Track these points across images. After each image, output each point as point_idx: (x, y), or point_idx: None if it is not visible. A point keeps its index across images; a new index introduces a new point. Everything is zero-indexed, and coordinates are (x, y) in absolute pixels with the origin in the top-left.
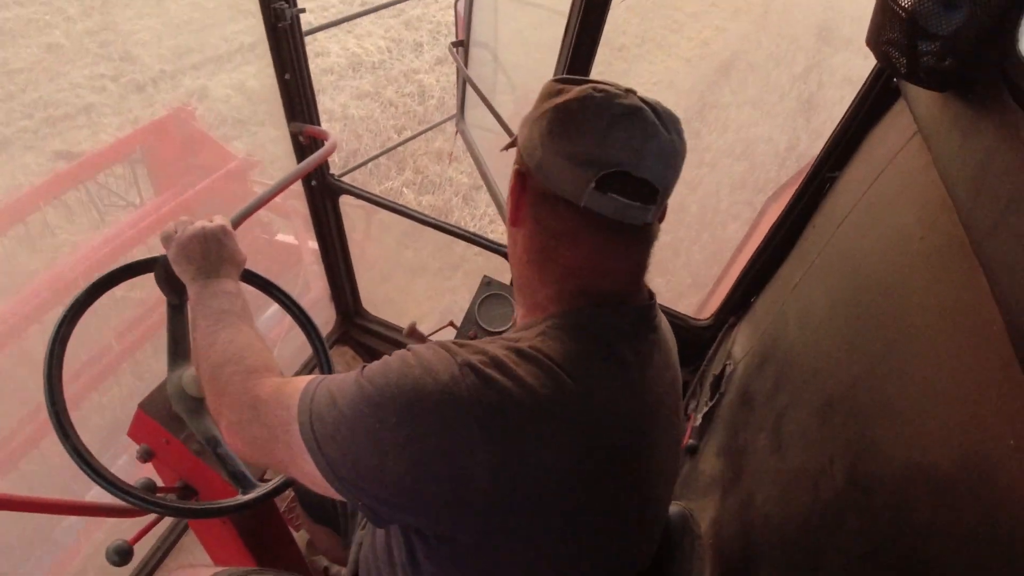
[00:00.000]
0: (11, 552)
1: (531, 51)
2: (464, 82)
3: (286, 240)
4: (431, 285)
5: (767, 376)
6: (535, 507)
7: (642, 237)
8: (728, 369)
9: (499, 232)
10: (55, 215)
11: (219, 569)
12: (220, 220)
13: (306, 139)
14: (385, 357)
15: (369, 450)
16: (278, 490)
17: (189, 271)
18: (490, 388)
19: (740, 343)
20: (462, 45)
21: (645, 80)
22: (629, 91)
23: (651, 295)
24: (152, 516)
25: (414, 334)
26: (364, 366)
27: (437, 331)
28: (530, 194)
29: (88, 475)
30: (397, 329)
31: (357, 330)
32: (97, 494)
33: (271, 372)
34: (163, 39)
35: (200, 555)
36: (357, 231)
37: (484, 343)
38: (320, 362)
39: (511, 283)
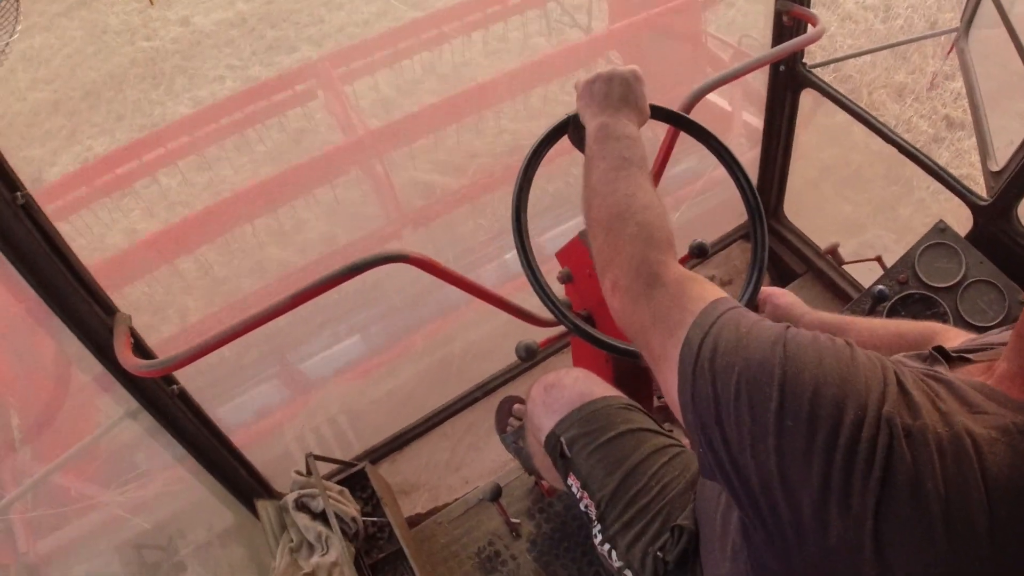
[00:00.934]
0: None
1: None
2: None
3: (719, 103)
4: (861, 212)
5: None
6: None
7: None
8: None
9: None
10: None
11: (603, 394)
12: (632, 66)
13: (790, 20)
14: (819, 335)
15: (741, 426)
16: None
17: (591, 108)
18: (892, 474)
19: None
20: None
21: None
22: None
23: None
24: (560, 330)
25: (834, 255)
26: (789, 326)
27: (860, 261)
28: None
29: (534, 286)
30: (812, 245)
31: (770, 233)
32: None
33: (672, 251)
34: None
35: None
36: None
37: (931, 393)
38: (754, 230)
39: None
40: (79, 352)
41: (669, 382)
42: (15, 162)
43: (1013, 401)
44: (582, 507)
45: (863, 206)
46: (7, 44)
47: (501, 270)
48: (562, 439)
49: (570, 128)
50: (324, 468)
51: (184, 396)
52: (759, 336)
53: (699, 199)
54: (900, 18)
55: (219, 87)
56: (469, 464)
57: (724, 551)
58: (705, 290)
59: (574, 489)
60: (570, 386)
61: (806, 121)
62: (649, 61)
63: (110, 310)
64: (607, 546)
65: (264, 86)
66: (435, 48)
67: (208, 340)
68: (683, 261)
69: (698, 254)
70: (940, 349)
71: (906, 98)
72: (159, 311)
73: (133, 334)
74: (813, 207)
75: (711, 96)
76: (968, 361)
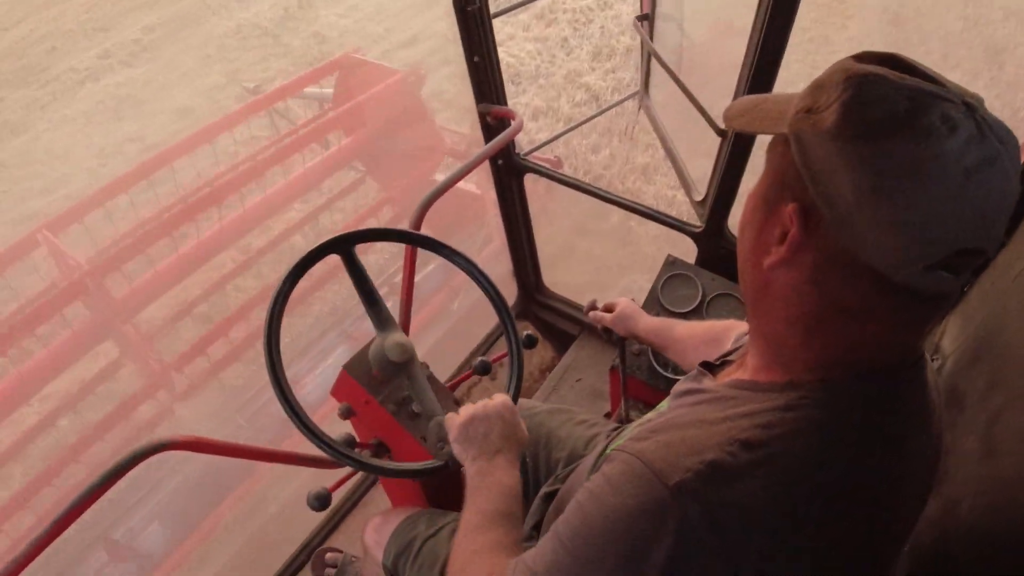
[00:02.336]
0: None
1: (720, 25)
2: (649, 56)
3: (468, 188)
4: (611, 264)
5: (980, 373)
6: None
7: (947, 302)
8: (936, 364)
9: (681, 212)
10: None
11: (414, 511)
12: (501, 397)
13: (493, 119)
14: (579, 500)
15: None
16: None
17: (470, 452)
18: (712, 510)
19: (950, 336)
20: (647, 18)
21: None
22: (969, 107)
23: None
24: (348, 469)
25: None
26: (560, 522)
27: None
28: (815, 248)
29: (300, 430)
30: (576, 307)
31: (537, 306)
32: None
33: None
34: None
35: (384, 504)
36: (538, 209)
37: (698, 425)
38: (508, 334)
39: (740, 296)
40: None
41: None
42: None
43: (769, 384)
44: None
45: (614, 259)
46: None
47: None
48: (387, 566)
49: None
50: None
51: None
52: (540, 556)
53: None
54: (610, 103)
55: None
56: None
57: None
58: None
59: None
60: (392, 518)
61: (549, 196)
62: (389, 163)
63: None
64: None
65: None
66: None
67: None
68: (465, 377)
69: (482, 372)
70: (705, 364)
71: (651, 175)
72: None
73: None
74: (575, 270)
75: (463, 185)
76: (729, 363)
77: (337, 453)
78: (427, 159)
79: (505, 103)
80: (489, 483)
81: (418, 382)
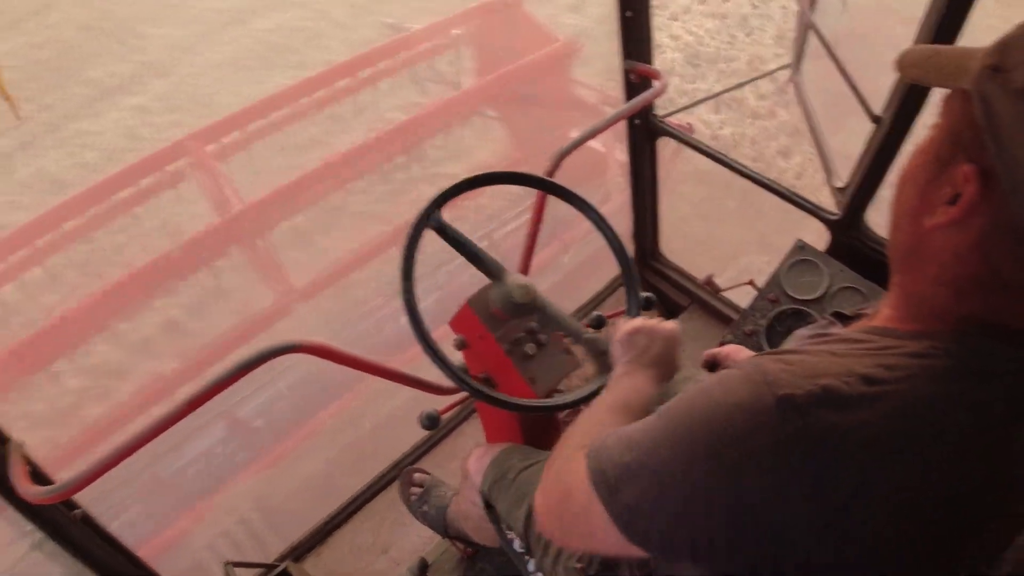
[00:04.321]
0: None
1: (884, 8)
2: (806, 30)
3: (593, 146)
4: (731, 240)
5: None
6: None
7: None
8: None
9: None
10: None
11: (512, 445)
12: (671, 324)
13: (637, 77)
14: (688, 392)
15: (671, 500)
16: (579, 402)
17: (627, 355)
18: (812, 432)
19: None
20: None
21: None
22: None
23: None
24: (460, 395)
25: (710, 285)
26: (665, 406)
27: (735, 287)
28: (987, 213)
29: (428, 353)
30: (691, 278)
31: (652, 273)
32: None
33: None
34: None
35: (478, 437)
36: (661, 174)
37: (823, 355)
38: (630, 293)
39: (889, 268)
40: None
41: (614, 543)
42: None
43: (903, 331)
44: (516, 547)
45: (736, 235)
46: None
47: (402, 334)
48: (483, 492)
49: (591, 344)
50: (247, 574)
51: (88, 520)
52: (635, 430)
53: (590, 239)
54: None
55: None
56: (396, 543)
57: None
58: (579, 441)
59: (508, 535)
60: (493, 449)
61: (673, 162)
62: (520, 111)
63: (1, 439)
64: (539, 574)
65: (131, 170)
66: (303, 119)
67: (104, 458)
68: None
69: (596, 326)
70: (837, 313)
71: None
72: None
73: (28, 461)
74: (690, 242)
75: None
76: (862, 316)
77: (464, 383)
78: (558, 112)
79: (651, 63)
80: (629, 384)
81: (551, 310)
